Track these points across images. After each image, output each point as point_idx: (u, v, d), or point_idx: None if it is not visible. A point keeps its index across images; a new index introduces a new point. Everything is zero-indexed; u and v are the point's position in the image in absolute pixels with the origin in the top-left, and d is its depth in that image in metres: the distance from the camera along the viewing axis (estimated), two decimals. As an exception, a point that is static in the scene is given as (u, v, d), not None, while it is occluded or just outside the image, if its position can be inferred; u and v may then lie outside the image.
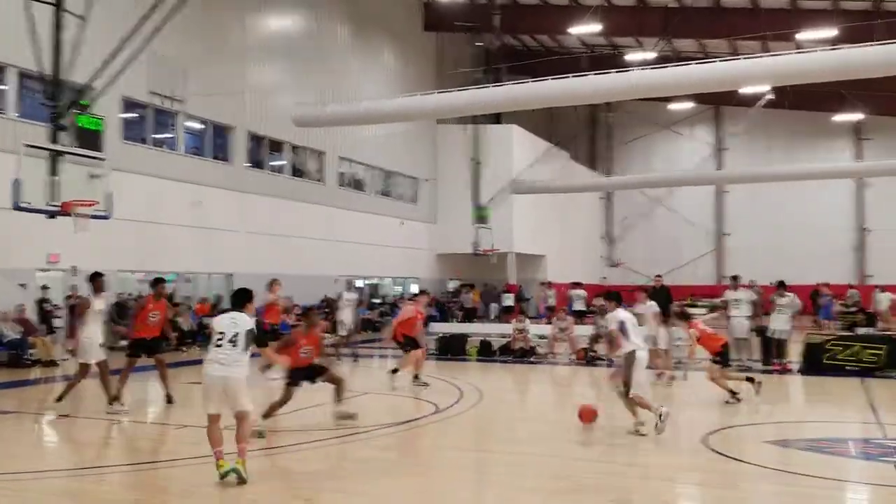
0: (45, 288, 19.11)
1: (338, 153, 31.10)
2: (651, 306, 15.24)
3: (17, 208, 13.52)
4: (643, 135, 48.35)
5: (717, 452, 8.75)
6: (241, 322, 7.54)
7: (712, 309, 38.23)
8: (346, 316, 18.82)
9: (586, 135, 49.22)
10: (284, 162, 28.78)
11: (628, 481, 7.82)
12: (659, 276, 19.39)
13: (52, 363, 16.81)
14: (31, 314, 18.20)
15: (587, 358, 18.03)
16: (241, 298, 7.86)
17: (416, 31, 36.74)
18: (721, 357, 12.29)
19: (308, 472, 8.18)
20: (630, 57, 32.62)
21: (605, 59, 35.12)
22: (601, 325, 18.77)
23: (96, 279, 11.52)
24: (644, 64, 25.54)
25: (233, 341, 7.41)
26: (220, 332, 7.49)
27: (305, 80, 28.66)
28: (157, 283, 12.41)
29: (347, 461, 8.63)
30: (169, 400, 11.87)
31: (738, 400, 12.00)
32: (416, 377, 13.86)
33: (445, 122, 36.11)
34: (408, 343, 14.12)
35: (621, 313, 9.97)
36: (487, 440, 9.83)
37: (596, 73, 22.30)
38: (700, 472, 8.21)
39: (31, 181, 13.53)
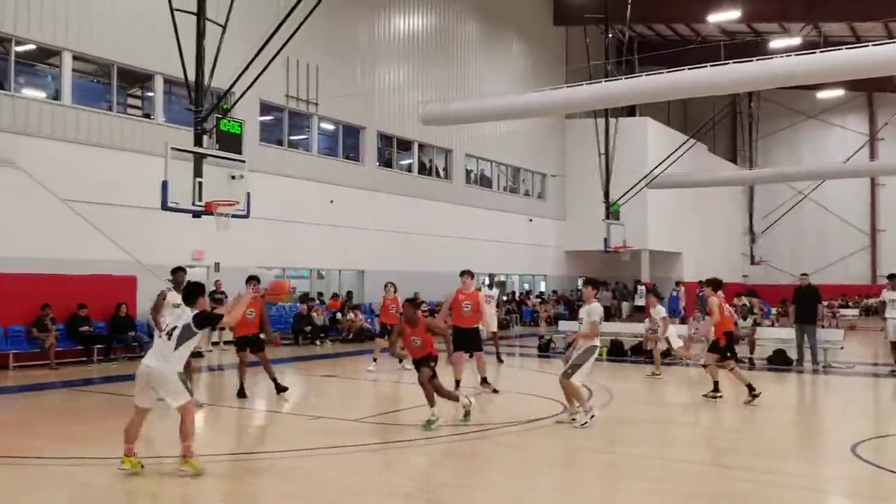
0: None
1: (465, 150, 31.24)
2: (660, 311, 15.84)
3: (165, 208, 14.30)
4: (788, 125, 45.83)
5: (869, 463, 8.04)
6: (183, 316, 7.36)
7: (865, 310, 35.72)
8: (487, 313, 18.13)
9: (726, 126, 47.16)
10: (412, 160, 29.17)
11: (768, 490, 7.31)
12: (805, 274, 18.21)
13: (198, 354, 17.67)
14: (179, 308, 19.26)
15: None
16: (191, 293, 7.59)
17: (545, 25, 36.37)
18: (722, 347, 12.03)
19: (432, 466, 8.16)
20: (774, 44, 30.91)
21: (746, 46, 33.42)
22: (742, 327, 17.90)
23: (177, 273, 11.58)
24: (789, 50, 24.05)
25: (169, 334, 7.29)
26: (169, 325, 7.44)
27: (432, 79, 28.96)
28: (251, 280, 12.46)
29: (472, 457, 8.55)
30: (279, 389, 12.13)
31: (719, 397, 11.92)
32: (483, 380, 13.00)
33: (574, 117, 35.54)
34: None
35: (599, 306, 9.99)
36: (617, 442, 9.49)
37: (736, 62, 21.22)
38: (849, 482, 7.57)
39: (177, 183, 14.28)
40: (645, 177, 32.13)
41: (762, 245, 46.34)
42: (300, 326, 21.38)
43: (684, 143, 32.62)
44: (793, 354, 17.07)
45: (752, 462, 8.37)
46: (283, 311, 22.67)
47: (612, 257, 32.66)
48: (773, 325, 22.95)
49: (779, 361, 17.12)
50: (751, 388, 11.59)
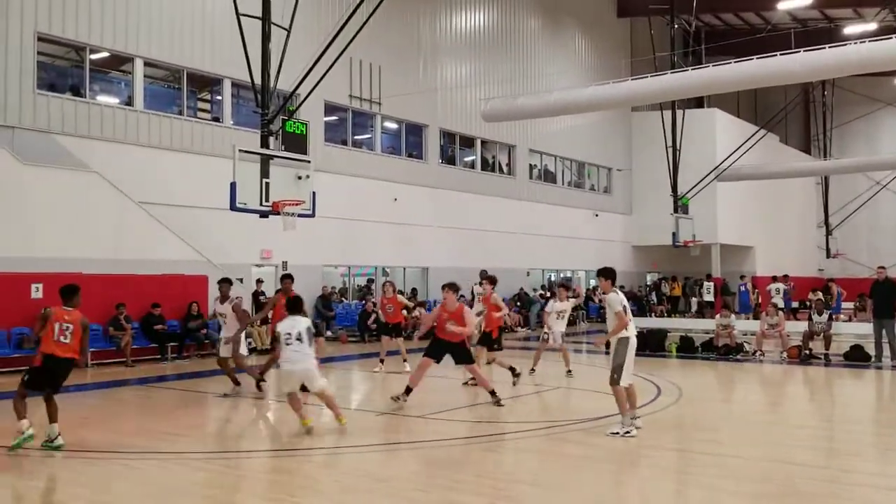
0: (259, 282, 20.59)
1: (528, 146, 31.04)
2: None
3: (234, 209, 14.60)
4: (865, 113, 44.15)
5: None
6: (301, 323, 9.23)
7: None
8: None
9: (798, 116, 45.69)
10: (475, 157, 29.13)
11: (843, 489, 7.02)
12: (882, 267, 17.49)
13: (266, 351, 18.02)
14: (248, 306, 19.66)
15: (801, 356, 16.69)
16: (299, 305, 9.68)
17: (608, 17, 35.89)
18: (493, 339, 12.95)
19: (503, 463, 8.12)
20: (848, 30, 29.79)
21: (818, 33, 32.30)
22: (817, 322, 17.33)
23: (286, 280, 12.45)
24: (864, 36, 23.12)
25: (299, 339, 9.09)
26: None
27: (495, 75, 28.86)
28: (286, 279, 12.72)
29: (541, 454, 8.47)
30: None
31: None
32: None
33: (640, 109, 34.96)
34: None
35: (621, 296, 9.21)
36: (687, 439, 9.28)
37: (808, 50, 20.53)
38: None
39: (245, 184, 14.56)
40: (714, 169, 31.38)
41: (838, 238, 44.71)
42: (365, 323, 21.57)
43: (755, 134, 31.73)
44: (871, 350, 16.43)
45: (829, 461, 8.07)
46: (349, 309, 22.93)
47: (681, 252, 32.01)
48: (850, 320, 22.17)
49: (856, 357, 16.50)
50: (513, 369, 12.71)
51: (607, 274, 9.25)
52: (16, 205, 15.39)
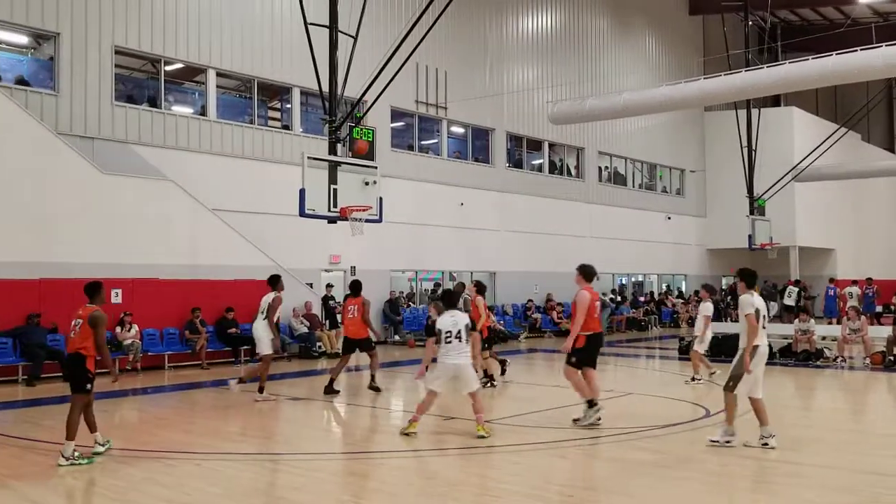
0: (329, 286, 20.85)
1: (597, 148, 30.63)
2: (706, 307, 14.04)
3: (303, 215, 14.80)
4: (953, 108, 42.05)
5: None
6: (462, 320, 9.33)
7: None
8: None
9: (881, 113, 43.90)
10: (543, 160, 28.89)
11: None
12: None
13: (336, 355, 18.20)
14: (317, 310, 19.93)
15: (885, 362, 15.96)
16: (453, 301, 9.82)
17: (679, 14, 35.17)
18: (484, 339, 13.12)
19: (570, 469, 7.97)
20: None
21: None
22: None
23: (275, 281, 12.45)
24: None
25: (458, 337, 9.18)
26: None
27: (562, 77, 28.59)
28: (356, 286, 13.13)
29: (610, 461, 8.28)
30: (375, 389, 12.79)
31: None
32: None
33: (714, 109, 34.13)
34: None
35: (756, 299, 8.57)
36: (763, 448, 8.93)
37: (890, 44, 19.69)
38: None
39: (313, 190, 14.75)
40: (792, 169, 30.36)
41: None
42: (433, 328, 21.54)
43: (835, 133, 30.58)
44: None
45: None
46: (417, 313, 23.00)
47: (757, 255, 31.07)
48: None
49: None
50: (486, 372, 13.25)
51: (742, 275, 8.84)
52: (96, 213, 15.96)
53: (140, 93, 19.07)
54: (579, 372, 9.70)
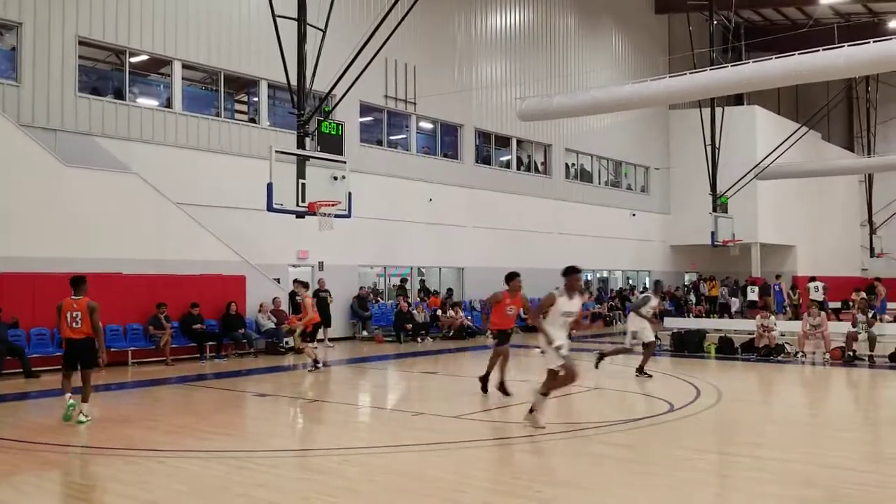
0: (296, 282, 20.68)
1: (564, 145, 30.83)
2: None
3: (271, 209, 14.72)
4: (910, 109, 43.07)
5: None
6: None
7: None
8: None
9: (841, 113, 44.79)
10: (511, 157, 29.02)
11: (891, 495, 6.81)
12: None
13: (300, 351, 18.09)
14: (285, 306, 19.80)
15: (844, 357, 16.32)
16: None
17: (645, 13, 35.50)
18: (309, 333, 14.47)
19: (537, 464, 8.04)
20: (893, 24, 29.10)
21: (862, 28, 31.60)
22: (860, 321, 16.93)
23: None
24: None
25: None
26: None
27: (530, 74, 28.72)
28: (512, 277, 11.96)
29: (577, 456, 8.37)
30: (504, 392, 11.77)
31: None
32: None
33: (679, 107, 34.54)
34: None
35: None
36: (726, 442, 9.10)
37: (851, 45, 20.10)
38: None
39: (281, 184, 14.67)
40: (754, 167, 30.87)
41: (882, 237, 43.70)
42: (401, 324, 21.60)
43: (796, 132, 31.14)
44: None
45: (876, 466, 7.85)
46: (384, 309, 22.98)
47: (720, 252, 31.58)
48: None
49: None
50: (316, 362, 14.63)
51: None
52: (59, 206, 15.68)
53: (104, 84, 18.76)
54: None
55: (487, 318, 12.27)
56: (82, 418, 9.46)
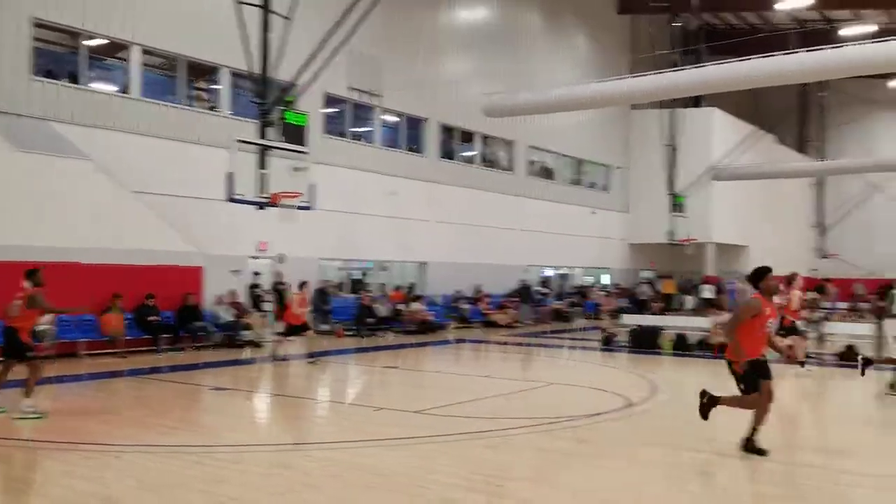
0: (256, 274, 20.47)
1: (527, 142, 30.93)
2: None
3: (231, 200, 14.49)
4: (860, 115, 44.12)
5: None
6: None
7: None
8: None
9: (795, 117, 45.72)
10: (475, 152, 29.03)
11: (845, 490, 6.97)
12: None
13: (259, 344, 17.90)
14: (244, 298, 19.56)
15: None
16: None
17: (609, 14, 35.75)
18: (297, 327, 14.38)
19: (497, 459, 8.05)
20: (846, 31, 29.79)
21: (817, 34, 32.28)
22: (816, 319, 17.30)
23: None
24: (863, 38, 23.15)
25: None
26: None
27: (495, 70, 28.71)
28: (764, 274, 11.11)
29: (536, 450, 8.41)
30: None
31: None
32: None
33: (640, 108, 34.91)
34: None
35: None
36: (683, 437, 9.22)
37: (807, 51, 20.55)
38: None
39: (242, 175, 14.45)
40: (711, 168, 31.39)
41: (833, 239, 44.81)
42: (363, 318, 21.47)
43: (752, 134, 31.74)
44: (866, 351, 16.39)
45: (827, 461, 8.03)
46: (346, 303, 22.80)
47: (676, 250, 32.05)
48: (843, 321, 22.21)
49: (850, 358, 16.46)
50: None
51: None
52: (11, 192, 15.21)
53: (60, 68, 18.23)
54: None
55: (735, 342, 8.10)
56: (31, 413, 9.22)
